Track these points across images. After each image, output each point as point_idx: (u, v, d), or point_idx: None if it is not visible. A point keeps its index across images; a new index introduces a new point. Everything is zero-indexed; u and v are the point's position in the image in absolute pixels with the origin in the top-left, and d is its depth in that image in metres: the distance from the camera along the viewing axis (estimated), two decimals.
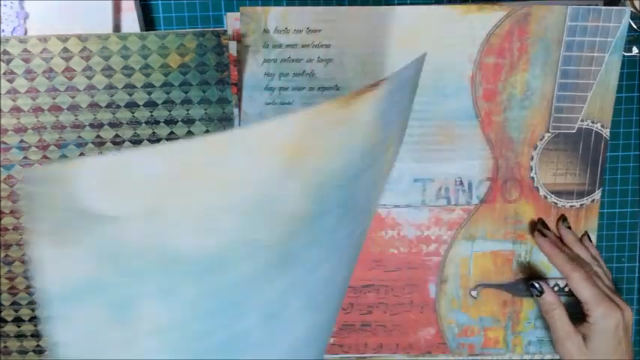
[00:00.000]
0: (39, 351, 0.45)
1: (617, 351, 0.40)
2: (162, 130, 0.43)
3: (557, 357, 0.47)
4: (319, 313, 0.32)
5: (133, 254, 0.21)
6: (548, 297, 0.42)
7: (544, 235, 0.44)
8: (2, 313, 0.44)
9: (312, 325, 0.31)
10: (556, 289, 0.46)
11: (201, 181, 0.22)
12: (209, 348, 0.26)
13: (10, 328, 0.44)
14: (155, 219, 0.21)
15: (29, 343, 0.45)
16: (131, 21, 0.42)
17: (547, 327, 0.46)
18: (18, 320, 0.44)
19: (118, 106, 0.42)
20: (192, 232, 0.22)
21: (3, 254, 0.43)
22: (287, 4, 0.44)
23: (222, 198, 0.23)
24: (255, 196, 0.24)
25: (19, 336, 0.45)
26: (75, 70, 0.41)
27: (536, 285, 0.43)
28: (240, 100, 0.43)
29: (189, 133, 0.43)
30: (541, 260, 0.45)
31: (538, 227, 0.44)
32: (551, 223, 0.45)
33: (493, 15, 0.42)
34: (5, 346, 0.45)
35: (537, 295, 0.43)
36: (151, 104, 0.42)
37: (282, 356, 0.30)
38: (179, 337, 0.24)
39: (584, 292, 0.40)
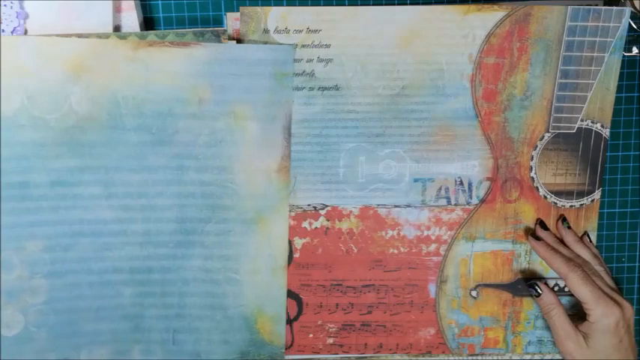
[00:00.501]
0: None
1: (619, 349, 0.40)
2: None
3: (557, 357, 0.47)
4: (127, 212, 0.42)
5: None
6: (546, 297, 0.42)
7: (538, 239, 0.44)
8: None
9: (117, 219, 0.42)
10: (556, 289, 0.46)
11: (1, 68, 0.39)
12: (5, 184, 0.40)
13: None
14: None
15: None
16: (131, 21, 0.42)
17: (547, 327, 0.46)
18: None
19: None
20: None
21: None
22: (287, 4, 0.44)
23: (13, 82, 0.39)
24: (42, 89, 0.39)
25: None
26: None
27: (535, 285, 0.43)
28: None
29: None
30: (540, 260, 0.45)
31: (532, 232, 0.45)
32: (551, 223, 0.45)
33: (493, 15, 0.42)
34: None
35: (536, 296, 0.43)
36: None
37: (70, 223, 0.41)
38: None
39: (583, 291, 0.40)
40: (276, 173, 0.42)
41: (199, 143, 0.41)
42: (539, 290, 0.43)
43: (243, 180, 0.42)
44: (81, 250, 0.42)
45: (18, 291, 0.41)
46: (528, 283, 0.44)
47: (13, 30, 0.41)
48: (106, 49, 0.39)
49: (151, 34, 0.41)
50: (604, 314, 0.39)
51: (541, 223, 0.45)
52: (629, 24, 0.42)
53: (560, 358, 0.46)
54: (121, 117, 0.40)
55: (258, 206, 0.43)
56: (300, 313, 0.46)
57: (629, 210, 0.48)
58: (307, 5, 0.44)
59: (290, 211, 0.44)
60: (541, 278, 0.46)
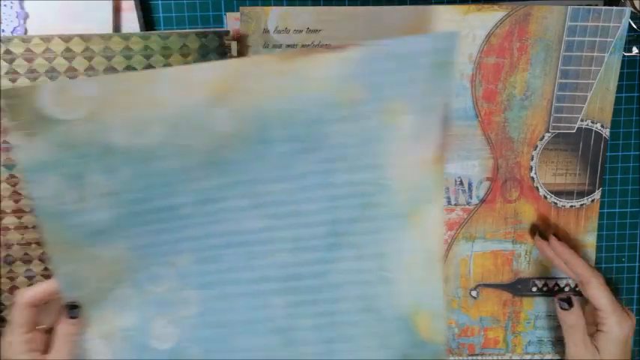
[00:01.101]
0: None
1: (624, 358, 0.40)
2: None
3: (557, 357, 0.47)
4: (275, 220, 0.39)
5: (79, 143, 0.36)
6: (573, 315, 0.41)
7: (558, 240, 0.43)
8: (2, 313, 0.44)
9: (264, 227, 0.39)
10: (567, 289, 0.45)
11: (129, 100, 0.35)
12: (147, 210, 0.38)
13: None
14: (94, 122, 0.35)
15: None
16: (131, 21, 0.42)
17: (547, 327, 0.46)
18: None
19: None
20: (125, 133, 0.36)
21: (4, 254, 0.44)
22: (287, 4, 0.44)
23: (148, 112, 0.36)
24: (180, 115, 0.36)
25: None
26: (77, 70, 0.41)
27: (566, 298, 0.42)
28: None
29: None
30: (540, 260, 0.45)
31: (549, 234, 0.44)
32: (551, 223, 0.45)
33: (493, 15, 0.42)
34: None
35: (564, 309, 0.42)
36: None
37: (218, 232, 0.40)
38: (120, 199, 0.37)
39: (602, 298, 0.40)
40: (432, 164, 0.39)
41: (350, 144, 0.38)
42: (570, 304, 0.41)
43: (396, 175, 0.39)
44: (230, 261, 0.40)
45: (169, 303, 0.40)
46: (561, 295, 0.42)
47: (13, 30, 0.41)
48: (251, 67, 0.37)
49: (154, 35, 0.41)
50: (618, 324, 0.39)
51: (538, 231, 0.44)
52: (629, 24, 0.42)
53: (560, 358, 0.46)
54: (268, 130, 0.37)
55: (412, 199, 0.39)
56: None
57: (629, 210, 0.48)
58: (307, 5, 0.44)
59: None
60: (541, 278, 0.46)
